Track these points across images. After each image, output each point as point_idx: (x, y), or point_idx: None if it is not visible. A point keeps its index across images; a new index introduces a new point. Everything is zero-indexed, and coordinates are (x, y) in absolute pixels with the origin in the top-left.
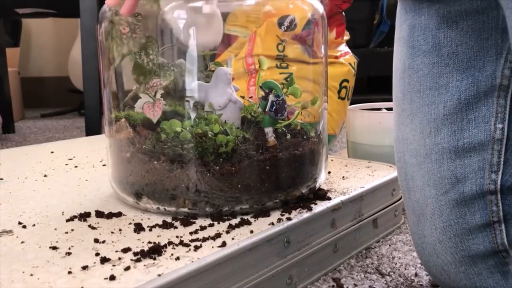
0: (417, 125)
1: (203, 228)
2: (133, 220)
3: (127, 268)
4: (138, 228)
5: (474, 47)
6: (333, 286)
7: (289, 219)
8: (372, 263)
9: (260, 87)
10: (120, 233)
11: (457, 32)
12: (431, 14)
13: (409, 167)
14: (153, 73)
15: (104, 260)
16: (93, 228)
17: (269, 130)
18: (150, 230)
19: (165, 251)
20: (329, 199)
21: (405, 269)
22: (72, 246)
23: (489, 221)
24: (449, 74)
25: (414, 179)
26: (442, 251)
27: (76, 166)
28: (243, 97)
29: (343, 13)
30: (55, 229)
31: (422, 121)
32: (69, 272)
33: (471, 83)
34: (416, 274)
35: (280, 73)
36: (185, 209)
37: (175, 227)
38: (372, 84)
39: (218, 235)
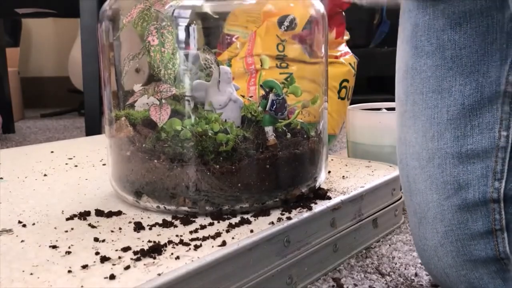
0: (420, 128)
1: (203, 227)
2: (133, 219)
3: (127, 267)
4: (138, 227)
5: (478, 51)
6: (333, 286)
7: (289, 218)
8: (372, 263)
9: (261, 85)
10: (120, 232)
11: (460, 35)
12: (436, 15)
13: (411, 170)
14: (169, 82)
15: (104, 259)
16: (93, 227)
17: (269, 129)
18: (150, 229)
19: (165, 250)
20: (329, 198)
21: (405, 269)
22: (72, 245)
23: (491, 229)
24: (452, 77)
25: (416, 182)
26: (443, 254)
27: (76, 166)
28: (243, 96)
29: (343, 13)
30: (55, 228)
31: (425, 124)
32: (69, 271)
33: (475, 89)
34: (416, 274)
35: (280, 73)
36: (185, 208)
37: (175, 226)
38: (372, 84)
39: (218, 234)
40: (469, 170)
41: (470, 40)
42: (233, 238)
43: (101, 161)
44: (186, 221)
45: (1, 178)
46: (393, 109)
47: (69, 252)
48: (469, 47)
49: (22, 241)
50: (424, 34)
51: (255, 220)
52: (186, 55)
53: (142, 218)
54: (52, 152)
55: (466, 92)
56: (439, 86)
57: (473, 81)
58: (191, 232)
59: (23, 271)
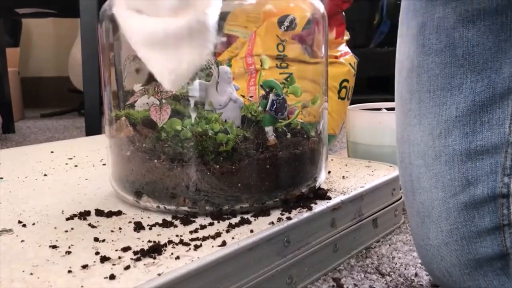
0: (426, 126)
1: (203, 227)
2: (133, 218)
3: (127, 267)
4: (138, 227)
5: (491, 48)
6: (333, 286)
7: (289, 218)
8: (372, 263)
9: (261, 86)
10: (120, 232)
11: (473, 32)
12: (446, 13)
13: (415, 169)
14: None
15: (104, 259)
16: (93, 227)
17: (269, 129)
18: (150, 229)
19: (165, 250)
20: (329, 198)
21: (405, 269)
22: (72, 245)
23: (499, 224)
24: (463, 75)
25: (420, 181)
26: (447, 253)
27: (76, 166)
28: (243, 96)
29: (343, 13)
30: (55, 228)
31: (432, 122)
32: (69, 271)
33: (487, 85)
34: (416, 274)
35: (280, 73)
36: (185, 208)
37: (175, 226)
38: (372, 84)
39: (218, 234)
40: (477, 166)
41: (484, 38)
42: (233, 238)
43: (101, 161)
44: (186, 221)
45: (1, 178)
46: (393, 109)
47: (69, 252)
48: (482, 44)
49: (22, 241)
50: (432, 32)
51: (255, 220)
52: None
53: (142, 218)
54: (52, 152)
55: (477, 89)
56: (448, 83)
57: (485, 77)
58: (191, 232)
59: (23, 271)
